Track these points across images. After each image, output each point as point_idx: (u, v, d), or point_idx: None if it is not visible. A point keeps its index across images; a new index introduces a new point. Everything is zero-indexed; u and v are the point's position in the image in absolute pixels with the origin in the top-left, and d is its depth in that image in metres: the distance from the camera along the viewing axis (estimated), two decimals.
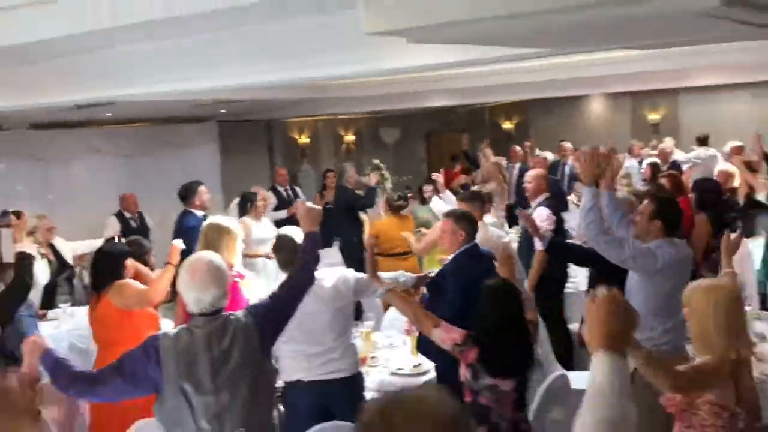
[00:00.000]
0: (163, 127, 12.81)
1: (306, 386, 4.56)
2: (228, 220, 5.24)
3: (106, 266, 4.97)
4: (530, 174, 7.30)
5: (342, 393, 4.57)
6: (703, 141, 12.52)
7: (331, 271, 4.79)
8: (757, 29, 2.61)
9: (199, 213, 7.79)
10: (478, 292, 4.08)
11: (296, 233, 4.65)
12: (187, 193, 8.04)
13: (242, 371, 3.34)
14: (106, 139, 12.07)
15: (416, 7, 2.30)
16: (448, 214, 5.25)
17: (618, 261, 4.64)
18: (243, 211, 8.43)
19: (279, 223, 9.19)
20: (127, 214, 9.90)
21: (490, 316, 3.82)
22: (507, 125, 18.01)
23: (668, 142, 12.76)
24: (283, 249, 4.64)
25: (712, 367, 3.11)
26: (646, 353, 3.12)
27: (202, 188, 8.08)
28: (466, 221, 5.02)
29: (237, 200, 8.96)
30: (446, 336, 3.91)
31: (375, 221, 8.35)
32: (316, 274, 4.41)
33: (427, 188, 9.19)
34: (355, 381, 4.74)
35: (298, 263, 3.89)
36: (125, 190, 10.34)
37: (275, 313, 3.56)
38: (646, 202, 5.08)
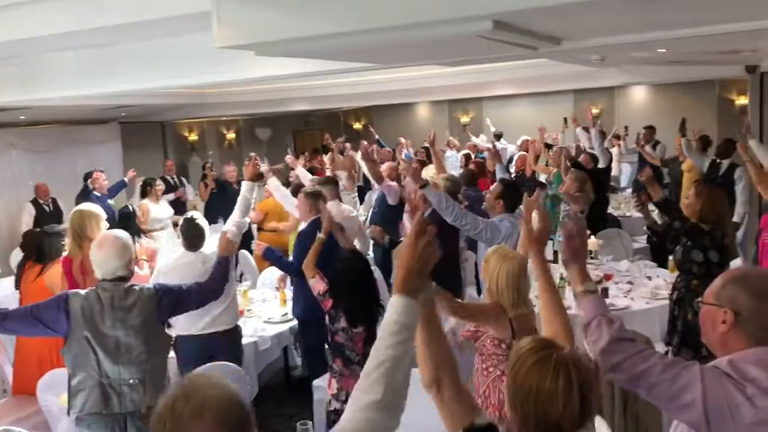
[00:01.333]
0: (73, 128, 11.97)
1: (195, 339, 4.45)
2: (91, 205, 4.92)
3: (56, 243, 4.74)
4: (386, 165, 7.56)
5: (224, 343, 4.51)
6: (498, 137, 13.00)
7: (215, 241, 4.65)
8: (527, 49, 2.72)
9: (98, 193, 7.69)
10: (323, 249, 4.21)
11: (202, 219, 4.55)
12: (87, 177, 8.22)
13: (139, 331, 3.21)
14: (22, 138, 11.13)
15: (259, 25, 2.22)
16: (303, 194, 5.24)
17: (474, 232, 4.78)
18: (144, 194, 8.20)
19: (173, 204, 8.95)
20: (41, 201, 9.34)
21: (340, 279, 3.81)
22: (357, 125, 18.02)
23: (480, 139, 13.18)
24: (190, 233, 4.46)
25: (489, 308, 3.15)
26: (451, 304, 3.14)
27: (96, 174, 8.12)
28: (315, 198, 5.05)
29: (140, 185, 8.62)
30: (315, 285, 3.92)
31: (264, 200, 8.01)
32: (206, 247, 4.29)
33: (293, 174, 8.99)
34: (235, 332, 4.67)
35: (210, 277, 3.75)
36: (40, 181, 9.69)
37: (175, 302, 3.42)
38: (496, 184, 5.18)
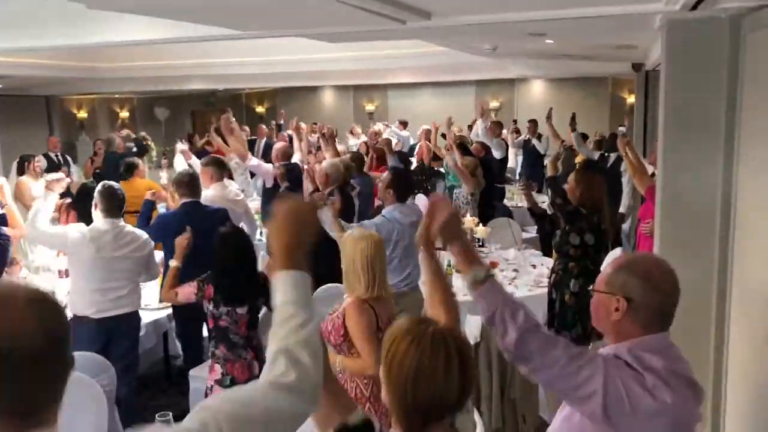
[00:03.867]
0: None
1: (93, 322, 4.13)
2: None
3: None
4: (276, 146, 7.40)
5: (124, 326, 4.26)
6: (405, 124, 13.04)
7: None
8: (395, 22, 2.62)
9: None
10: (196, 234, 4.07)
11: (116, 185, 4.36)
12: None
13: None
14: None
15: None
16: (173, 182, 5.10)
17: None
18: (21, 171, 7.64)
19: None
20: None
21: (222, 256, 3.64)
22: (259, 109, 17.63)
23: (378, 126, 13.13)
24: (109, 197, 4.19)
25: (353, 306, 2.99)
26: None
27: None
28: (182, 186, 4.92)
29: (16, 161, 8.01)
30: (185, 297, 3.74)
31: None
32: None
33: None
34: (136, 316, 4.45)
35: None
36: None
37: None
38: (385, 174, 5.03)
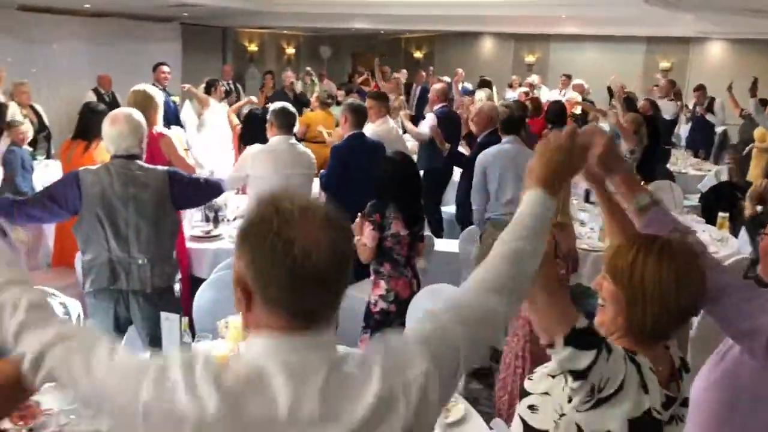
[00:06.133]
0: (134, 22, 11.97)
1: None
2: (150, 87, 4.79)
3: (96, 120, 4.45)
4: (435, 87, 7.34)
5: None
6: (569, 78, 12.50)
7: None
8: None
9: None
10: (357, 164, 4.14)
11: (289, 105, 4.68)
12: (153, 69, 8.61)
13: (150, 211, 3.19)
14: (84, 27, 11.23)
15: None
16: (344, 108, 5.21)
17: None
18: (207, 92, 8.51)
19: None
20: (102, 91, 9.54)
21: (389, 179, 3.74)
22: (417, 54, 17.71)
23: (534, 78, 12.77)
24: (281, 115, 4.50)
25: None
26: None
27: (160, 68, 8.49)
28: (353, 113, 5.03)
29: (203, 85, 8.80)
30: (371, 239, 3.70)
31: (307, 113, 8.29)
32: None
33: (339, 93, 9.01)
34: None
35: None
36: (100, 72, 9.84)
37: (190, 192, 3.39)
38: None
